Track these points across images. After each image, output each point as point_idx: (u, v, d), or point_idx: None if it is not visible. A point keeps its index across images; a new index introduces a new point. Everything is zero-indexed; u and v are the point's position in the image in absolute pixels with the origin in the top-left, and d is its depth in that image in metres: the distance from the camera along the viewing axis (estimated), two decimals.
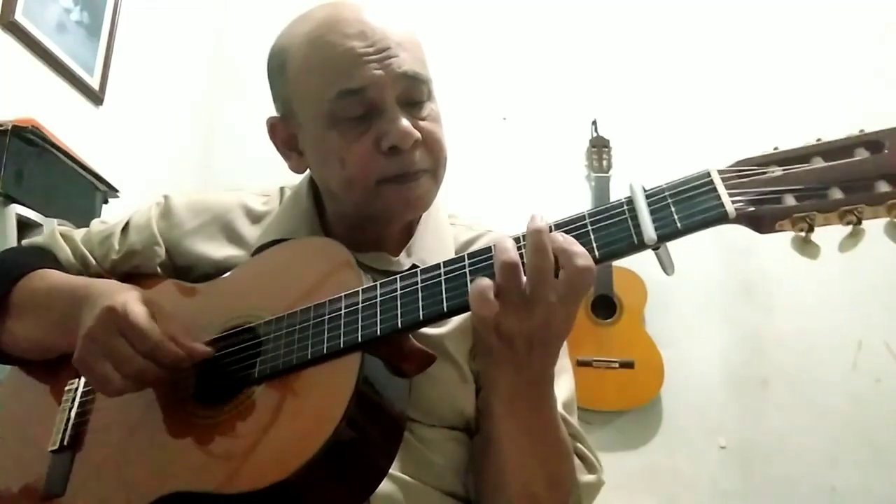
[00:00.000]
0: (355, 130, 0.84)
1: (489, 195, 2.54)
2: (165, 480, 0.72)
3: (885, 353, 2.42)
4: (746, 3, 2.72)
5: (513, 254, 0.65)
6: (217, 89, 2.79)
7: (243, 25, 2.86)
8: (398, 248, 0.93)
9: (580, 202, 2.63)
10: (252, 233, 0.97)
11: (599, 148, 2.63)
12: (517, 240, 0.68)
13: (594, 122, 2.66)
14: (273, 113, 0.94)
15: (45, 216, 1.48)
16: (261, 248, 0.92)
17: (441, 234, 0.96)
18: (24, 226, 1.44)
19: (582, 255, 0.65)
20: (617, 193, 2.54)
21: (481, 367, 0.74)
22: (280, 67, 0.90)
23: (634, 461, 2.39)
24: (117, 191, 1.79)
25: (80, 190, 1.69)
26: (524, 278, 0.65)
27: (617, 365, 2.36)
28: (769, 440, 2.39)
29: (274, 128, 0.94)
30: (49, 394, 0.90)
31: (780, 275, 2.42)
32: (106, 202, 1.78)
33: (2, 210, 1.41)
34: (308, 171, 0.95)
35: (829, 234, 0.63)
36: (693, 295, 2.45)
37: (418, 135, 0.84)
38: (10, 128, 1.42)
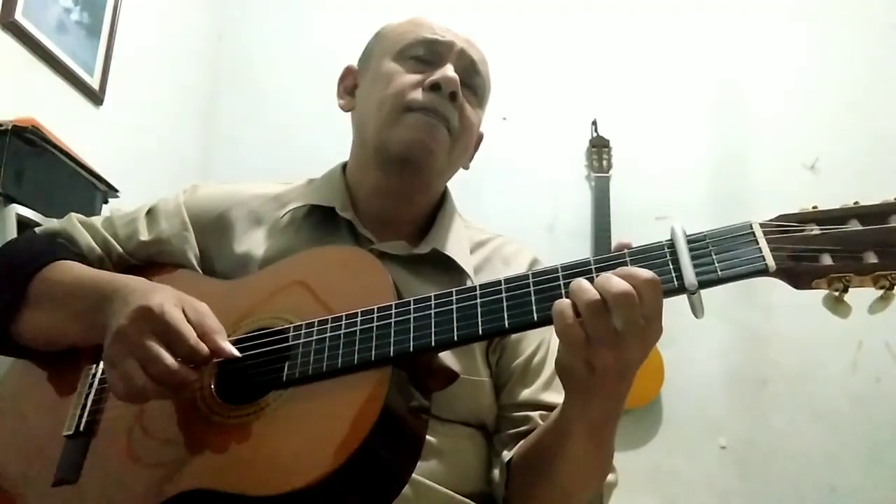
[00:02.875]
0: (413, 68, 0.97)
1: (489, 195, 2.54)
2: (184, 477, 0.71)
3: (885, 353, 2.42)
4: (746, 4, 2.72)
5: (593, 292, 0.65)
6: (217, 89, 2.79)
7: (243, 25, 2.86)
8: (418, 238, 0.98)
9: (580, 202, 2.63)
10: (279, 216, 0.98)
11: (599, 148, 2.63)
12: (552, 270, 0.71)
13: (594, 122, 2.66)
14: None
15: (45, 216, 1.48)
16: (293, 223, 0.97)
17: (457, 229, 1.01)
18: (24, 226, 1.44)
19: (643, 271, 0.65)
20: (617, 193, 2.54)
21: (568, 395, 0.76)
22: (379, 31, 1.06)
23: (634, 461, 2.39)
24: (117, 191, 1.79)
25: (80, 190, 1.69)
26: (615, 320, 0.64)
27: None
28: (769, 440, 2.39)
29: (348, 73, 1.08)
30: (64, 379, 0.88)
31: None
32: (106, 202, 1.78)
33: (2, 210, 1.41)
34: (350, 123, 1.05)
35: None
36: None
37: (459, 90, 0.95)
38: (10, 128, 1.43)
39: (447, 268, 0.94)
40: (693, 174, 2.56)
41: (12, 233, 1.40)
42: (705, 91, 2.67)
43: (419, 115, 0.93)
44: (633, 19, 2.76)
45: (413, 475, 0.79)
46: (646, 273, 0.65)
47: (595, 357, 0.66)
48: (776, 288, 2.38)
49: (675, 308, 2.48)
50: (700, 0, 2.76)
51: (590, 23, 2.77)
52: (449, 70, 0.95)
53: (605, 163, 2.61)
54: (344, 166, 1.05)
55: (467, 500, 0.85)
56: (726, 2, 2.74)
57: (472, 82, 0.99)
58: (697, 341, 2.47)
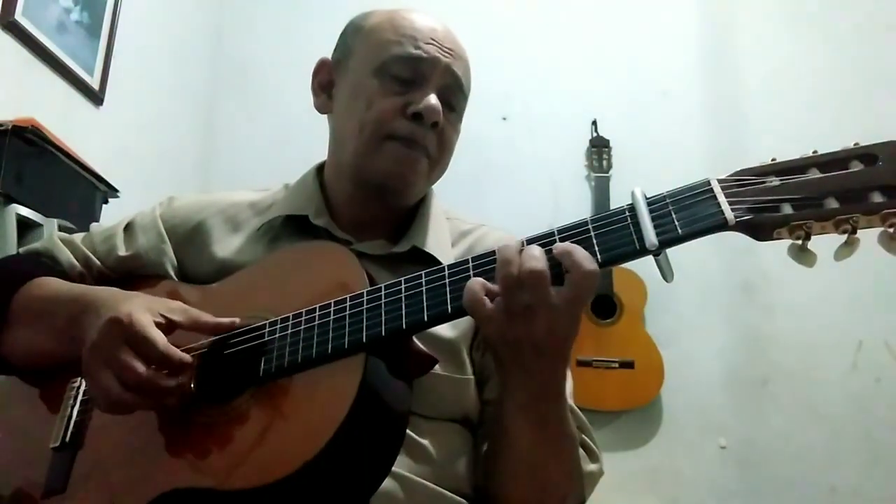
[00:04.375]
0: (393, 89, 0.93)
1: (489, 195, 2.54)
2: (167, 477, 0.72)
3: (885, 353, 2.42)
4: (745, 4, 2.72)
5: (515, 267, 0.67)
6: (217, 89, 2.79)
7: (243, 26, 2.86)
8: (398, 236, 0.97)
9: (580, 202, 2.63)
10: (257, 222, 0.99)
11: (599, 148, 2.63)
12: (521, 243, 0.70)
13: (594, 122, 2.66)
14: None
15: (45, 216, 1.48)
16: (270, 233, 0.96)
17: (438, 223, 1.00)
18: (24, 226, 1.43)
19: (587, 259, 0.66)
20: (617, 193, 2.55)
21: (497, 373, 0.76)
22: (361, 21, 1.01)
23: (634, 461, 2.39)
24: (117, 191, 1.79)
25: (80, 190, 1.69)
26: (525, 294, 0.66)
27: (617, 365, 2.36)
28: (769, 440, 2.39)
29: (322, 66, 1.03)
30: (49, 394, 0.90)
31: (780, 275, 2.42)
32: (106, 202, 1.78)
33: (2, 210, 1.41)
34: (328, 126, 1.02)
35: (825, 242, 0.65)
36: (693, 295, 2.45)
37: (442, 119, 0.93)
38: (10, 128, 1.42)
39: (428, 264, 0.94)
40: (693, 174, 2.54)
41: (12, 233, 1.40)
42: (705, 91, 2.67)
43: (399, 146, 0.92)
44: (633, 19, 2.76)
45: (403, 473, 0.80)
46: (588, 264, 0.66)
47: (507, 330, 0.67)
48: (776, 288, 2.38)
49: (675, 308, 2.47)
50: (699, 2, 2.77)
51: (590, 23, 2.77)
52: (431, 98, 0.92)
53: (605, 163, 2.61)
54: (320, 168, 1.05)
55: (458, 497, 0.85)
56: (725, 3, 2.74)
57: (453, 101, 0.97)
58: (697, 341, 2.47)
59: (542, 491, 0.82)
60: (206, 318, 0.78)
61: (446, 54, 0.95)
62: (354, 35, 1.00)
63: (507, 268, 0.67)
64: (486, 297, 0.67)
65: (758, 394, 2.44)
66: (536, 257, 0.66)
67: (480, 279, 0.68)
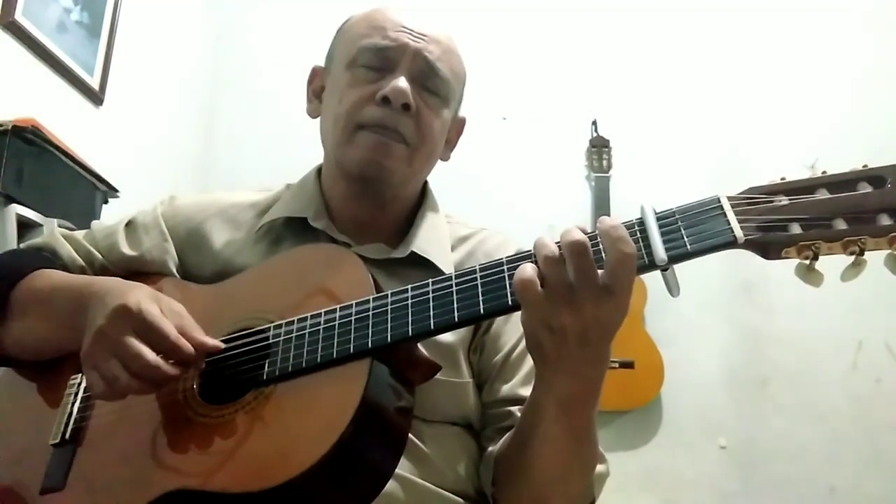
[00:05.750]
0: (364, 78, 0.93)
1: (489, 195, 2.54)
2: (167, 478, 0.71)
3: (885, 353, 2.42)
4: (746, 3, 2.72)
5: (553, 247, 0.66)
6: (217, 89, 2.79)
7: (243, 26, 2.86)
8: (397, 240, 0.97)
9: (580, 202, 2.63)
10: (257, 223, 0.99)
11: (599, 148, 2.63)
12: (527, 255, 0.70)
13: (594, 122, 2.66)
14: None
15: (45, 216, 1.48)
16: (270, 234, 0.97)
17: (438, 228, 1.00)
18: (24, 226, 1.44)
19: (624, 241, 0.65)
20: (617, 193, 2.55)
21: (537, 369, 0.75)
22: (343, 24, 1.03)
23: (634, 461, 2.39)
24: (117, 191, 1.79)
25: (80, 190, 1.69)
26: (568, 270, 0.65)
27: (617, 365, 2.36)
28: (769, 440, 2.39)
29: (315, 74, 1.05)
30: (49, 390, 0.89)
31: (781, 275, 2.40)
32: (106, 202, 1.78)
33: (2, 210, 1.41)
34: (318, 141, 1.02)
35: (829, 256, 0.66)
36: (693, 295, 2.44)
37: (411, 100, 0.91)
38: (10, 128, 1.43)
39: (427, 268, 0.93)
40: (693, 174, 2.56)
41: (12, 233, 1.40)
42: (705, 90, 2.67)
43: (370, 133, 0.91)
44: (632, 19, 2.76)
45: (405, 474, 0.80)
46: (608, 222, 0.66)
47: (552, 317, 0.66)
48: (776, 288, 2.38)
49: (675, 308, 2.47)
50: (699, 1, 2.76)
51: (590, 23, 2.77)
52: (400, 81, 0.91)
53: (605, 163, 2.61)
54: (320, 169, 1.05)
55: (459, 499, 0.85)
56: (725, 3, 2.74)
57: (430, 84, 0.95)
58: (697, 341, 2.47)
59: (567, 489, 0.82)
60: (196, 333, 0.76)
61: (417, 39, 0.94)
62: (336, 38, 1.02)
63: (546, 250, 0.66)
64: (537, 280, 0.65)
65: (758, 394, 2.44)
66: (575, 231, 0.66)
67: (531, 264, 0.67)
